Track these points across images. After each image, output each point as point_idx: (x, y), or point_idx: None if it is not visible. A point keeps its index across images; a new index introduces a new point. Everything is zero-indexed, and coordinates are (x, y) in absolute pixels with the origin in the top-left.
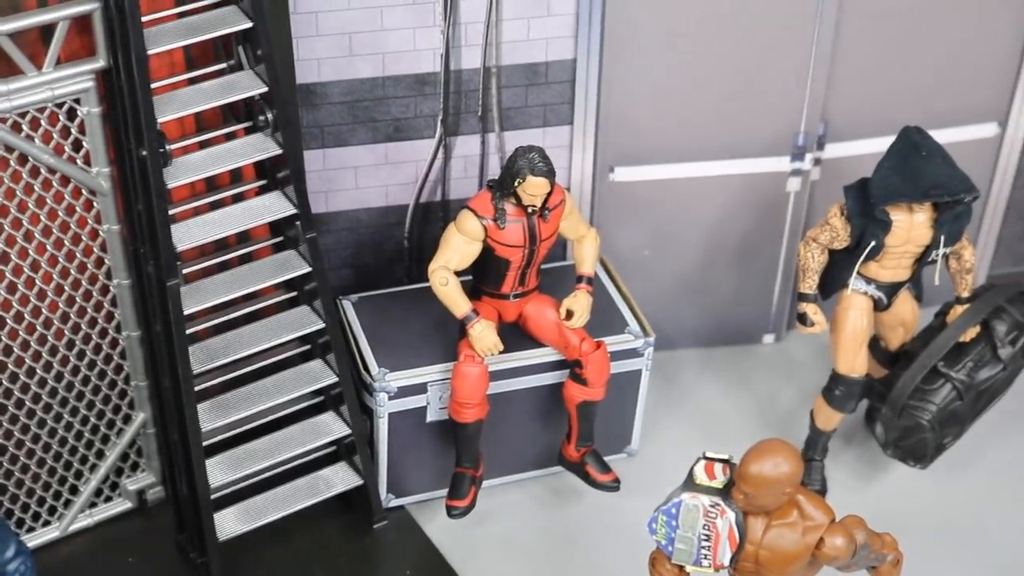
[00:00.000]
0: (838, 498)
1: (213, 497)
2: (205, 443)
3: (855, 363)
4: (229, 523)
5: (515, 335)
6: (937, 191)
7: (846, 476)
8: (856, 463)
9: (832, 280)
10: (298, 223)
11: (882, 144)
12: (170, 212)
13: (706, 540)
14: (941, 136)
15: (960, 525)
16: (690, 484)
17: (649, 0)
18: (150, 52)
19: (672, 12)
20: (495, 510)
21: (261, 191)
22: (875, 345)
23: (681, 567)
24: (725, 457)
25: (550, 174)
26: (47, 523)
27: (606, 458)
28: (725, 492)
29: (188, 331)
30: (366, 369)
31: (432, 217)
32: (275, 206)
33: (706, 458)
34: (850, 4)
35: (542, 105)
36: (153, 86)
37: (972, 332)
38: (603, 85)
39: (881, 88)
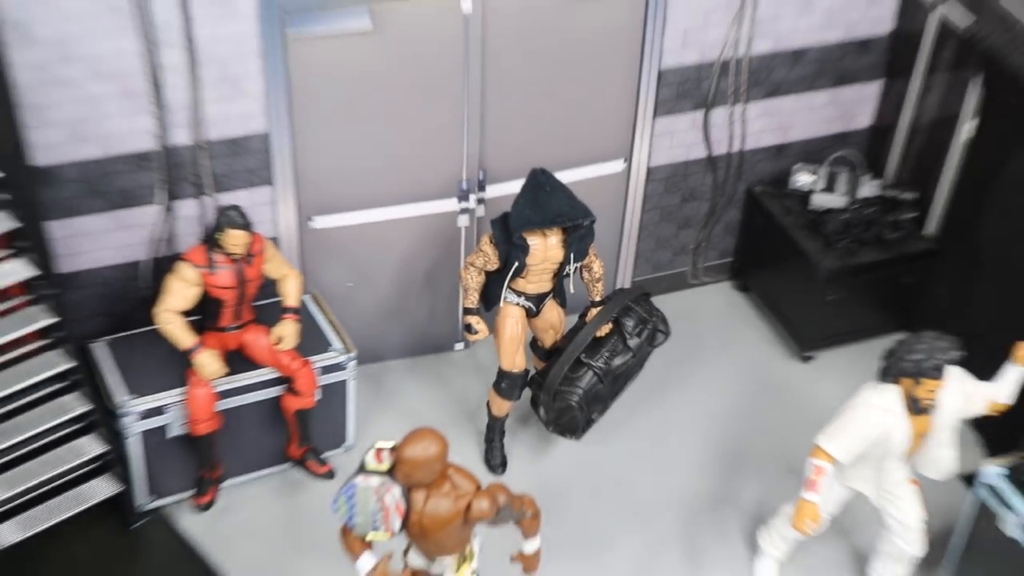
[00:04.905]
0: (518, 469)
1: None
2: None
3: (515, 360)
4: (8, 533)
5: (239, 360)
6: (561, 218)
7: (523, 451)
8: (531, 439)
9: (491, 295)
10: (42, 283)
11: None
12: None
13: (379, 512)
14: (577, 173)
15: (610, 480)
16: (363, 469)
17: (327, 77)
18: None
19: (347, 86)
20: (239, 502)
21: (8, 257)
22: (534, 344)
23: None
24: (391, 445)
25: (246, 227)
26: None
27: (327, 453)
28: (391, 473)
29: None
30: (113, 399)
31: (165, 269)
32: (21, 271)
33: (374, 448)
34: (490, 75)
35: (247, 171)
36: None
37: (606, 328)
38: (296, 150)
39: (526, 138)
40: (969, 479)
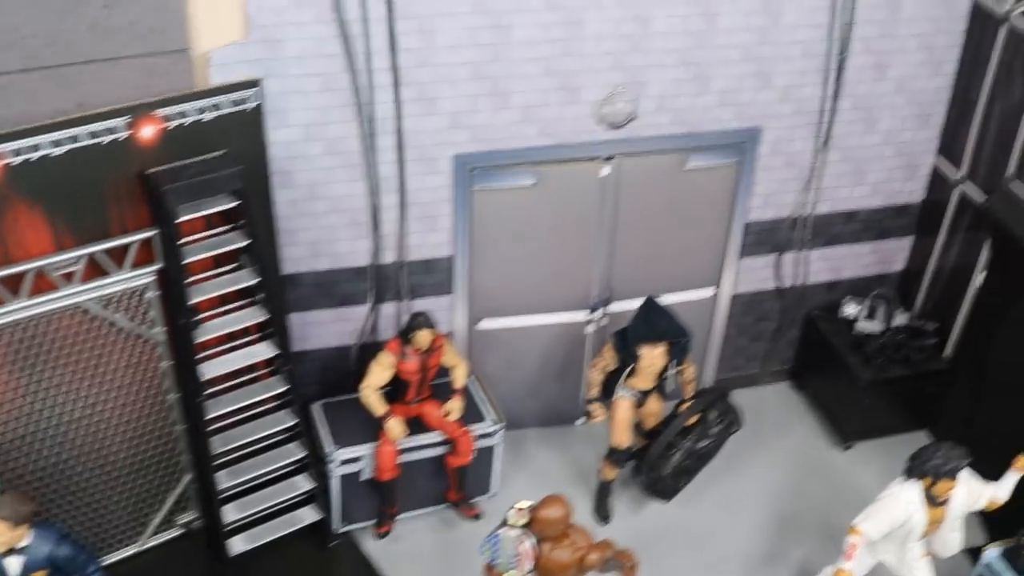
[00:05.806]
0: (620, 522)
1: (229, 527)
2: (223, 495)
3: (624, 439)
4: (239, 544)
5: (417, 426)
6: (667, 335)
7: (624, 508)
8: (629, 500)
9: (609, 388)
10: (281, 360)
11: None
12: (201, 355)
13: (515, 557)
14: (678, 296)
15: (690, 535)
16: (506, 523)
17: (498, 218)
18: (185, 261)
19: (512, 224)
20: (408, 532)
21: (260, 340)
22: (638, 427)
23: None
24: (528, 505)
25: (432, 327)
26: (129, 543)
27: (475, 499)
28: (526, 527)
29: (213, 427)
30: (323, 448)
31: (368, 353)
32: (267, 351)
33: (515, 507)
34: (618, 221)
35: (434, 284)
36: (188, 280)
37: (694, 418)
38: (471, 270)
39: (641, 267)
40: (971, 553)
